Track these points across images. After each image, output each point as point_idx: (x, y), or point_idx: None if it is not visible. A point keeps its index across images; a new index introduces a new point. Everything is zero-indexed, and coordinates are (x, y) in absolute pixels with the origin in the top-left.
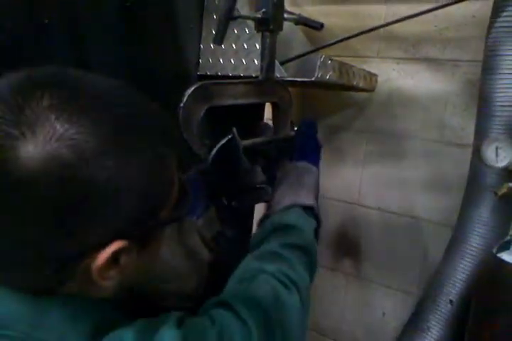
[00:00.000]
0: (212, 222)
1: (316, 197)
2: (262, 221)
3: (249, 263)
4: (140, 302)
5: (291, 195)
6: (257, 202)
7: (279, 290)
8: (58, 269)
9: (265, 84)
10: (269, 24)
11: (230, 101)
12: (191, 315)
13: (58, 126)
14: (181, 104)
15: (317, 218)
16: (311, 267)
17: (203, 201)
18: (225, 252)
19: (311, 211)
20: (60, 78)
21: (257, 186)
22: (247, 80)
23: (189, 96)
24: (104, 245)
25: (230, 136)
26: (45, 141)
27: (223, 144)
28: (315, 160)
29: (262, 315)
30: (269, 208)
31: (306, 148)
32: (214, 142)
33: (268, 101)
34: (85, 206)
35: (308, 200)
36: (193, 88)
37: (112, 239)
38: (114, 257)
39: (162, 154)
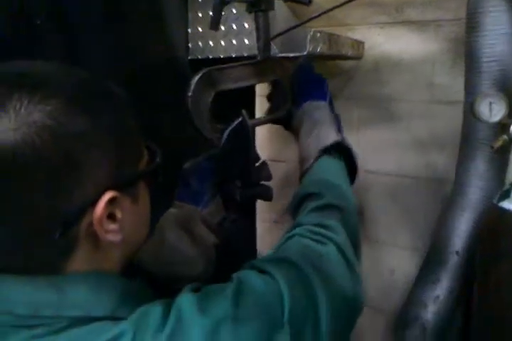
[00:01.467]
0: (219, 208)
1: (338, 129)
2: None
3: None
4: (153, 285)
5: (312, 143)
6: (259, 198)
7: (310, 244)
8: (64, 230)
9: (264, 63)
10: (260, 4)
11: (234, 85)
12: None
13: (23, 99)
14: (189, 93)
15: (347, 149)
16: (348, 222)
17: (210, 190)
18: (230, 235)
19: (337, 147)
20: (11, 68)
21: (262, 183)
22: (247, 62)
23: (196, 84)
24: (98, 197)
25: (240, 119)
26: (16, 113)
27: (234, 127)
28: (320, 96)
29: (293, 268)
30: (302, 165)
31: (308, 86)
32: (224, 126)
33: (268, 81)
34: (70, 162)
35: (329, 138)
36: (198, 76)
37: (103, 191)
38: (110, 211)
39: (123, 112)
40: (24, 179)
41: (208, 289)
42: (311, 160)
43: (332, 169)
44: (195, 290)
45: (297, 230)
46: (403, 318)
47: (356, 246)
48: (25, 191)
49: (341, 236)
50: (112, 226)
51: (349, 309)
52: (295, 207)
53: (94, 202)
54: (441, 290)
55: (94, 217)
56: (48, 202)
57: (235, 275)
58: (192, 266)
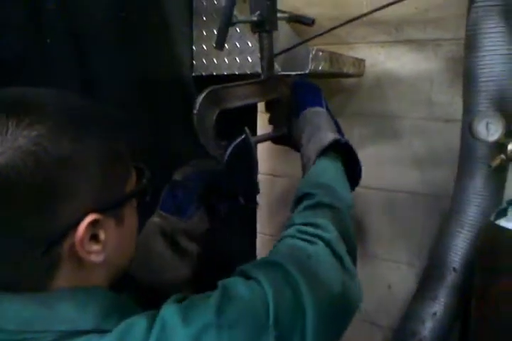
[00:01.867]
0: (203, 220)
1: (337, 130)
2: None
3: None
4: (143, 294)
5: (312, 147)
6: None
7: (299, 245)
8: (46, 250)
9: (267, 82)
10: (264, 25)
11: (238, 103)
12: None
13: (9, 124)
14: (195, 111)
15: (347, 148)
16: (339, 219)
17: (195, 201)
18: (217, 245)
19: (336, 148)
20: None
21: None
22: (252, 81)
23: (201, 102)
24: (79, 220)
25: (243, 136)
26: (2, 137)
27: (237, 144)
28: (317, 103)
29: (280, 271)
30: (303, 170)
31: (305, 95)
32: (228, 143)
33: (271, 99)
34: (53, 186)
35: (327, 139)
36: (203, 94)
37: (85, 214)
38: (93, 232)
39: (111, 136)
40: (7, 201)
41: (192, 298)
42: (310, 163)
43: (328, 170)
44: (180, 301)
45: (288, 231)
46: (401, 334)
47: (351, 245)
48: (8, 212)
49: (331, 234)
50: (95, 247)
51: (339, 310)
52: (292, 209)
53: (76, 224)
54: (438, 306)
55: (75, 238)
56: (30, 224)
57: (220, 283)
58: (175, 273)
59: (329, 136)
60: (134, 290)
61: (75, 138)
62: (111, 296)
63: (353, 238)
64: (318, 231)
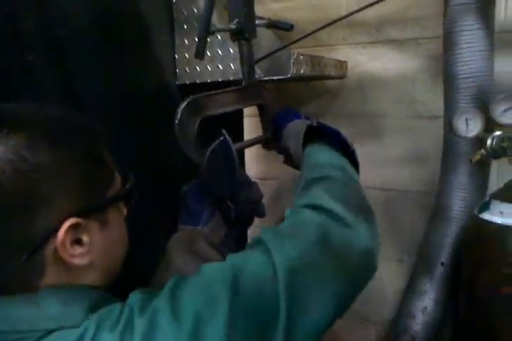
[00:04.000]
0: (219, 225)
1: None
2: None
3: None
4: None
5: (299, 147)
6: (252, 215)
7: (310, 218)
8: (31, 254)
9: (249, 89)
10: (244, 33)
11: (220, 111)
12: None
13: None
14: (176, 121)
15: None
16: (332, 187)
17: (208, 208)
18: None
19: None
20: None
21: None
22: (232, 88)
23: (182, 111)
24: (60, 224)
25: (221, 138)
26: None
27: (215, 147)
28: (295, 118)
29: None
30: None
31: (283, 121)
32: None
33: (253, 105)
34: (32, 193)
35: (303, 129)
36: (184, 104)
37: (65, 218)
38: (76, 236)
39: (89, 143)
40: None
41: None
42: (301, 157)
43: (312, 153)
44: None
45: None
46: (392, 329)
47: (357, 202)
48: None
49: (320, 199)
50: (79, 250)
51: (325, 257)
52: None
53: (56, 229)
54: (429, 301)
55: (57, 242)
56: (10, 230)
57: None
58: None
59: (304, 126)
60: None
61: (52, 146)
62: (96, 293)
63: (356, 197)
64: (305, 196)
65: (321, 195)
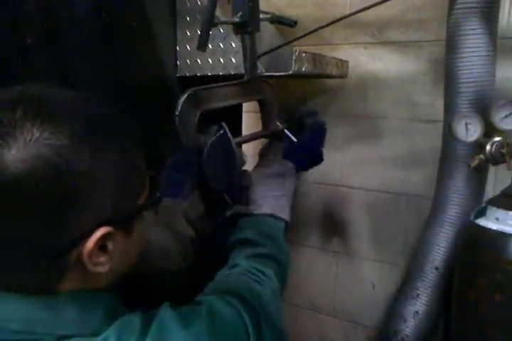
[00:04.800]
0: (198, 203)
1: (292, 206)
2: (240, 215)
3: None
4: (132, 285)
5: (271, 202)
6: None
7: (252, 284)
8: (54, 259)
9: (250, 83)
10: (247, 26)
11: (220, 104)
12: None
13: (34, 131)
14: (176, 113)
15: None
16: (281, 275)
17: (188, 181)
18: (209, 235)
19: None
20: (27, 93)
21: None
22: (234, 82)
23: (183, 103)
24: (90, 232)
25: (221, 132)
26: (25, 144)
27: (215, 140)
28: (304, 167)
29: (245, 303)
30: (247, 202)
31: (304, 152)
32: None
33: (254, 100)
34: (70, 198)
35: (284, 214)
36: (185, 96)
37: (97, 226)
38: (102, 243)
39: (131, 148)
40: (22, 209)
41: (182, 308)
42: (264, 213)
43: (273, 222)
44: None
45: (238, 269)
46: (383, 333)
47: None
48: (21, 220)
49: (275, 286)
50: (102, 258)
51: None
52: (230, 248)
53: (87, 236)
54: (420, 305)
55: (84, 249)
56: (42, 230)
57: (201, 299)
58: (171, 261)
59: (287, 212)
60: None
61: (96, 151)
62: (110, 298)
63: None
64: (266, 279)
65: (275, 283)
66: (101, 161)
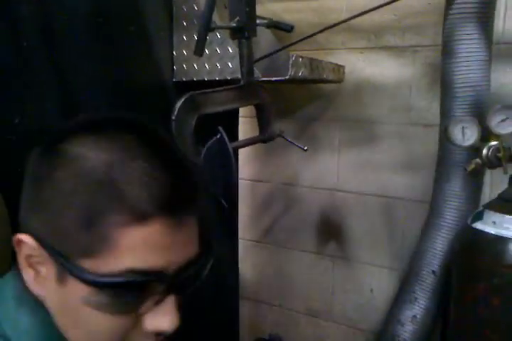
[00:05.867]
0: None
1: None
2: None
3: None
4: None
5: None
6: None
7: None
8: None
9: (247, 88)
10: (244, 32)
11: (217, 109)
12: None
13: None
14: (173, 117)
15: None
16: None
17: None
18: None
19: None
20: None
21: None
22: (231, 87)
23: (179, 108)
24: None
25: (218, 136)
26: None
27: (212, 144)
28: None
29: None
30: None
31: None
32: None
33: (251, 104)
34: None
35: None
36: (182, 100)
37: (28, 232)
38: (28, 256)
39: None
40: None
41: None
42: None
43: None
44: None
45: None
46: (381, 336)
47: None
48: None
49: None
50: (30, 272)
51: None
52: None
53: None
54: (418, 309)
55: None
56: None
57: None
58: None
59: None
60: None
61: None
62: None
63: None
64: None
65: None
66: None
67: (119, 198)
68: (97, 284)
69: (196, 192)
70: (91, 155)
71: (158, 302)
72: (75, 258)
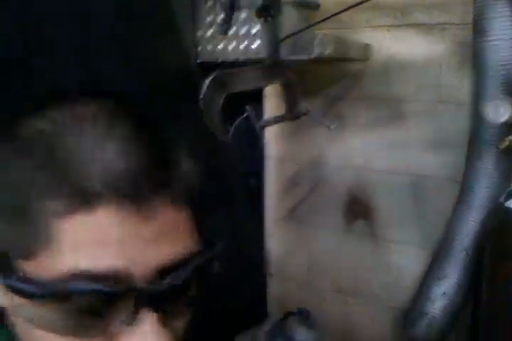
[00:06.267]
0: None
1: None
2: None
3: None
4: None
5: None
6: None
7: None
8: None
9: (273, 67)
10: (269, 10)
11: (243, 87)
12: None
13: None
14: (201, 96)
15: None
16: None
17: None
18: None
19: None
20: None
21: None
22: (257, 66)
23: (207, 87)
24: None
25: (246, 114)
26: None
27: (240, 122)
28: None
29: None
30: None
31: None
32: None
33: (277, 83)
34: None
35: None
36: (209, 79)
37: None
38: None
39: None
40: None
41: None
42: None
43: None
44: None
45: None
46: (410, 314)
47: None
48: None
49: None
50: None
51: None
52: None
53: None
54: (448, 286)
55: None
56: None
57: None
58: None
59: None
60: None
61: None
62: None
63: None
64: None
65: None
66: None
67: (59, 177)
68: (34, 295)
69: (174, 173)
70: (31, 123)
71: (131, 321)
72: (12, 260)
